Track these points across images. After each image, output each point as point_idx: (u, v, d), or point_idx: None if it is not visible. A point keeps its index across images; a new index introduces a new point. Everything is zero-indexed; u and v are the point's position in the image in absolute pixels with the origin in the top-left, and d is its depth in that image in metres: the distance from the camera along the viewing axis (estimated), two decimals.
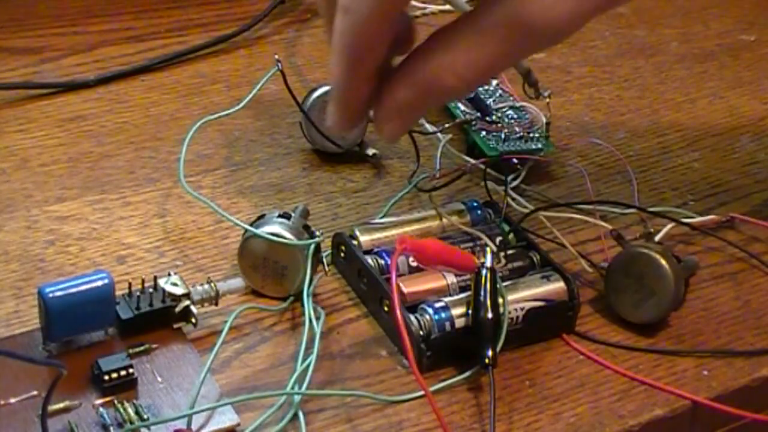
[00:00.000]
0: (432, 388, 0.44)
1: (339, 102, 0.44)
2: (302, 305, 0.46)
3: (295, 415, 0.42)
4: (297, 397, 0.43)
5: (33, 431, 0.40)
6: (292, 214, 0.48)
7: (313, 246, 0.47)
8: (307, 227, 0.48)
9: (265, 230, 0.47)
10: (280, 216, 0.48)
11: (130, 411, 0.41)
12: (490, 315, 0.45)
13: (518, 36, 0.41)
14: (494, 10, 0.41)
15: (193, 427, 0.41)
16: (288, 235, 0.47)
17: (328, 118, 0.45)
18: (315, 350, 0.44)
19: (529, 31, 0.41)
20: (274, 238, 0.47)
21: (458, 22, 0.42)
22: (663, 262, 0.47)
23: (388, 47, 0.42)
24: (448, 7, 0.72)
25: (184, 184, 0.51)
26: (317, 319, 0.46)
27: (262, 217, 0.48)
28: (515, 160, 0.56)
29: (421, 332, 0.45)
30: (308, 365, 0.44)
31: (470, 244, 0.49)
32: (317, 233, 0.48)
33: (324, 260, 0.49)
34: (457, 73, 0.42)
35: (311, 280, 0.47)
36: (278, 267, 0.47)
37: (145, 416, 0.41)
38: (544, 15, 0.40)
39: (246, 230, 0.47)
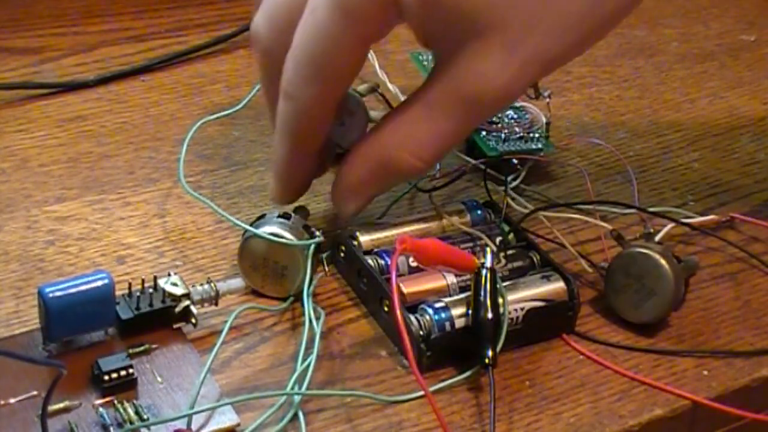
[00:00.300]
0: (432, 388, 0.44)
1: (281, 178, 0.47)
2: (302, 305, 0.46)
3: (295, 415, 0.42)
4: (297, 397, 0.43)
5: (33, 431, 0.40)
6: (292, 214, 0.48)
7: (313, 246, 0.47)
8: (307, 227, 0.48)
9: (265, 230, 0.47)
10: (280, 216, 0.48)
11: (130, 411, 0.41)
12: (490, 315, 0.45)
13: (466, 110, 0.42)
14: (440, 88, 0.42)
15: (193, 427, 0.41)
16: (288, 235, 0.47)
17: (270, 193, 0.47)
18: (315, 350, 0.44)
19: (476, 104, 0.42)
20: (274, 238, 0.47)
21: (408, 102, 0.44)
22: (663, 262, 0.47)
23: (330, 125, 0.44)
24: None
25: (184, 184, 0.51)
26: (317, 319, 0.46)
27: (262, 217, 0.48)
28: (515, 160, 0.56)
29: (421, 332, 0.45)
30: (308, 365, 0.44)
31: (470, 244, 0.49)
32: (317, 233, 0.48)
33: (324, 260, 0.49)
34: (413, 152, 0.43)
35: (311, 280, 0.47)
36: (278, 267, 0.47)
37: (145, 416, 0.41)
38: (487, 86, 0.41)
39: (246, 230, 0.47)
